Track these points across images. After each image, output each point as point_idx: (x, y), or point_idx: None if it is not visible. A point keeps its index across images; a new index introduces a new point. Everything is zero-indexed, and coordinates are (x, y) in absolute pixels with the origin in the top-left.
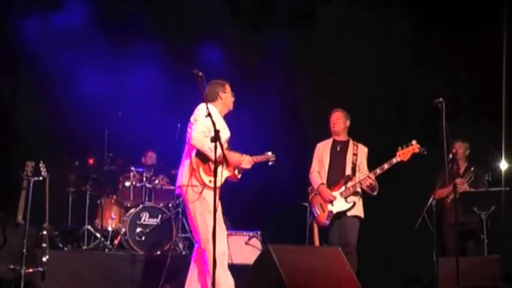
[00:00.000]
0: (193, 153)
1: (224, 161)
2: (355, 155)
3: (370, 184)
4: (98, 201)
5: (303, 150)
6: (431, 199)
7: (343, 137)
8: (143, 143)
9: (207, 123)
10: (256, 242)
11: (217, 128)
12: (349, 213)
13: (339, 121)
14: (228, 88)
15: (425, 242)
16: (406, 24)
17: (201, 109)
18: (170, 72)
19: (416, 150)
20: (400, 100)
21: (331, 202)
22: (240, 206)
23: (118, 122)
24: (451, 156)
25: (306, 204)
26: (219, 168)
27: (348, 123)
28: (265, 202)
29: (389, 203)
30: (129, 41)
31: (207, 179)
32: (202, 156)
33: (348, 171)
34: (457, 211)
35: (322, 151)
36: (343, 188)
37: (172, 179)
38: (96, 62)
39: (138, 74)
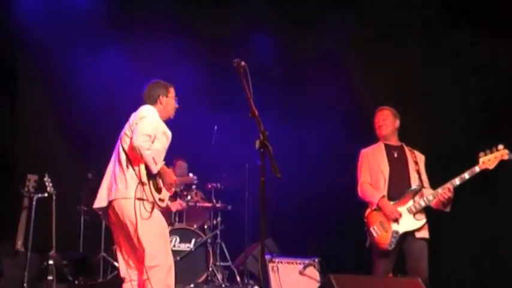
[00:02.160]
0: (143, 165)
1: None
2: (415, 163)
3: (449, 198)
4: (110, 224)
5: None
6: None
7: (394, 141)
8: (171, 150)
9: (155, 125)
10: (313, 271)
11: (165, 130)
12: (417, 235)
13: (386, 122)
14: (172, 92)
15: None
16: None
17: (147, 109)
18: (204, 66)
19: (506, 157)
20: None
21: (396, 220)
22: (288, 228)
23: None
24: None
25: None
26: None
27: (398, 123)
28: (317, 221)
29: (463, 220)
30: (154, 33)
31: (156, 196)
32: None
33: (415, 183)
34: None
35: (374, 158)
36: (410, 203)
37: (209, 195)
38: (115, 57)
39: (166, 69)
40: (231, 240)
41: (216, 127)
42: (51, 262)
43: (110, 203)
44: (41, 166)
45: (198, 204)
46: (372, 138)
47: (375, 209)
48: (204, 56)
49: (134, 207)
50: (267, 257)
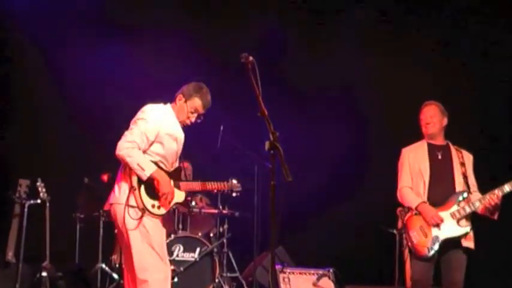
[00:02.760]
0: None
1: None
2: (462, 164)
3: (496, 204)
4: (115, 231)
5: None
6: None
7: (440, 141)
8: None
9: (150, 128)
10: (328, 283)
11: (171, 132)
12: (461, 243)
13: (434, 119)
14: (194, 103)
15: None
16: None
17: (147, 110)
18: (207, 61)
19: None
20: None
21: (437, 225)
22: (300, 235)
23: None
24: None
25: (395, 231)
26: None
27: (446, 121)
28: (332, 228)
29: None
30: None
31: (149, 202)
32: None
33: (460, 186)
34: None
35: (415, 159)
36: (454, 208)
37: (214, 200)
38: (115, 57)
39: (166, 64)
40: (239, 249)
41: (222, 127)
42: (44, 274)
43: (110, 207)
44: (33, 170)
45: (203, 210)
46: (392, 140)
47: (415, 214)
48: (211, 49)
49: (124, 214)
50: (278, 267)
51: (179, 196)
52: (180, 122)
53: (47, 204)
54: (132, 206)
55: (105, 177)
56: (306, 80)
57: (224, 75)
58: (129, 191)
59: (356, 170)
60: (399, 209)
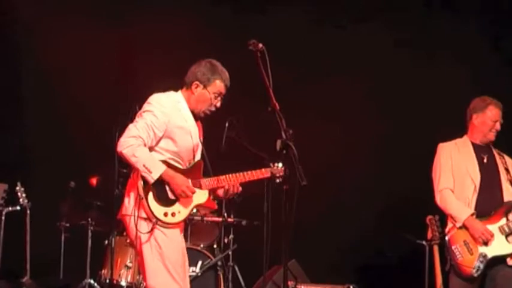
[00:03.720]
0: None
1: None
2: (507, 170)
3: None
4: (106, 242)
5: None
6: None
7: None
8: None
9: (158, 121)
10: None
11: (183, 125)
12: (510, 262)
13: (500, 122)
14: (216, 85)
15: None
16: None
17: (154, 100)
18: (208, 47)
19: None
20: None
21: (485, 242)
22: (316, 247)
23: None
24: None
25: (424, 242)
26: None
27: None
28: (353, 239)
29: None
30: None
31: (160, 211)
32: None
33: (508, 195)
34: None
35: (460, 159)
36: (503, 221)
37: (218, 206)
38: (108, 44)
39: (161, 52)
40: (246, 262)
41: (227, 123)
42: None
43: (122, 218)
44: (11, 173)
45: (205, 218)
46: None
47: (459, 227)
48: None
49: (135, 227)
50: (291, 283)
51: (200, 196)
52: (201, 111)
53: (28, 212)
54: (143, 218)
55: (93, 181)
56: (330, 73)
57: (230, 63)
58: (136, 201)
59: (378, 173)
60: (429, 217)
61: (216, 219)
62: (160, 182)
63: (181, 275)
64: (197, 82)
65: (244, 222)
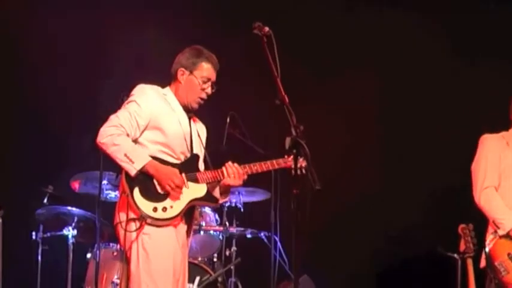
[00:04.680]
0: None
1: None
2: None
3: None
4: (88, 255)
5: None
6: None
7: None
8: None
9: (142, 110)
10: None
11: (169, 112)
12: None
13: None
14: (202, 69)
15: None
16: None
17: (137, 90)
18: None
19: None
20: None
21: None
22: (334, 260)
23: None
24: None
25: (456, 255)
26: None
27: None
28: (374, 250)
29: None
30: None
31: (149, 206)
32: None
33: None
34: None
35: (509, 154)
36: None
37: (219, 214)
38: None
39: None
40: (251, 278)
41: (228, 118)
42: None
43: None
44: None
45: (203, 228)
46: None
47: (503, 236)
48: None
49: (123, 226)
50: None
51: (197, 190)
52: (192, 102)
53: None
54: (132, 219)
55: (75, 185)
56: (350, 65)
57: (231, 50)
58: (121, 201)
59: (403, 175)
60: (461, 226)
61: (217, 228)
62: (147, 175)
63: (170, 285)
64: (182, 69)
65: (248, 233)
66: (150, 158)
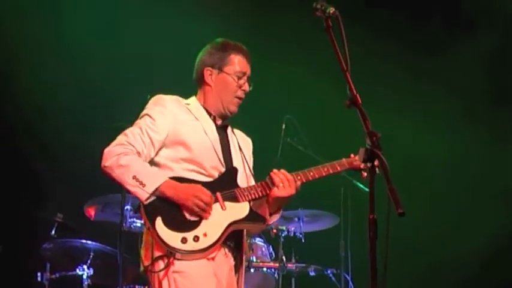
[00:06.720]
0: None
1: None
2: None
3: None
4: None
5: None
6: None
7: None
8: None
9: (158, 122)
10: None
11: (191, 121)
12: None
13: None
14: (235, 63)
15: None
16: None
17: (152, 101)
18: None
19: None
20: None
21: None
22: None
23: None
24: None
25: None
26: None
27: None
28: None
29: None
30: None
31: (176, 237)
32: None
33: None
34: None
35: None
36: None
37: (273, 247)
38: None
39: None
40: None
41: (284, 125)
42: None
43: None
44: None
45: (254, 264)
46: None
47: None
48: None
49: (149, 277)
50: None
51: (237, 210)
52: (229, 104)
53: None
54: (159, 257)
55: (91, 211)
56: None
57: (285, 39)
58: (146, 240)
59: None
60: None
61: (272, 264)
62: (167, 200)
63: None
64: (208, 68)
65: (312, 270)
66: (167, 178)
